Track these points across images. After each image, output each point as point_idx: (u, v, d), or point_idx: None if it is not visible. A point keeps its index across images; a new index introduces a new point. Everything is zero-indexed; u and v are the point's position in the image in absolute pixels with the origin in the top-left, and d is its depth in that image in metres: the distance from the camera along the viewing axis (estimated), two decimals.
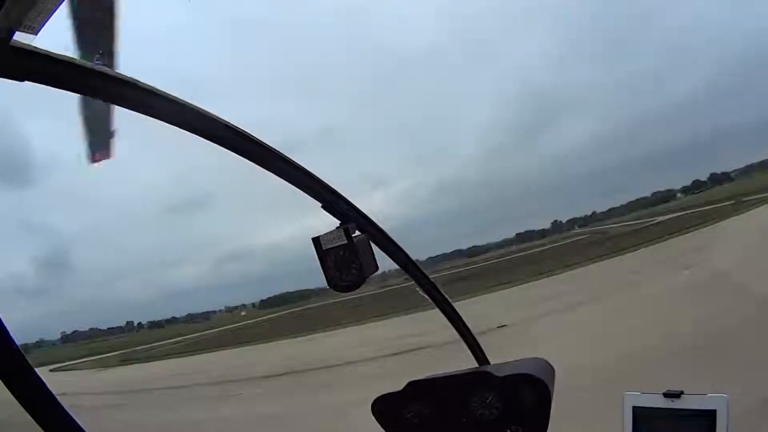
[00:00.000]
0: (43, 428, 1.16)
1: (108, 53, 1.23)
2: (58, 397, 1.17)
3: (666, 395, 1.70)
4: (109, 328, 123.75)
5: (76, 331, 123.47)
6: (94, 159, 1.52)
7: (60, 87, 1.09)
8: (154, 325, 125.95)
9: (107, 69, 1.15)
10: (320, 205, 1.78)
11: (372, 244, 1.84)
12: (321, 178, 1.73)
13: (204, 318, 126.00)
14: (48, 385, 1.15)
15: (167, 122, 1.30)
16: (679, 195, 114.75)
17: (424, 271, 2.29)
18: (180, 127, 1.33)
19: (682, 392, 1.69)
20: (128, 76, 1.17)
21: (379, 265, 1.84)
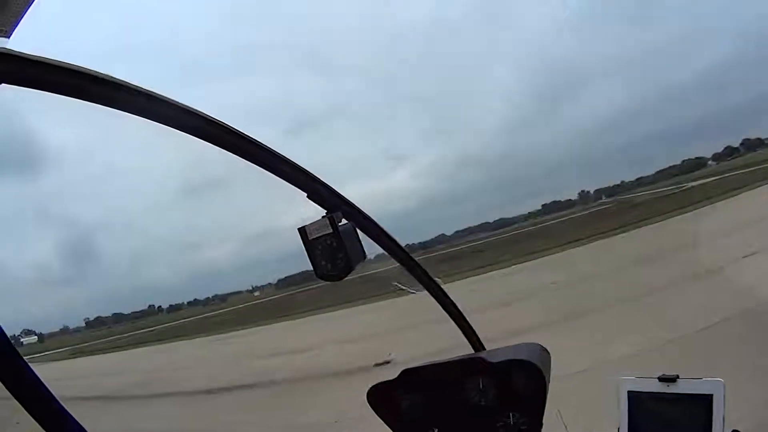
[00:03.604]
0: (39, 423, 1.13)
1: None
2: (52, 391, 1.13)
3: (661, 379, 1.63)
4: (132, 312, 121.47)
5: (99, 317, 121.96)
6: None
7: (36, 87, 1.02)
8: (173, 308, 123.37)
9: (83, 68, 1.06)
10: (305, 195, 1.64)
11: (359, 232, 1.73)
12: (305, 167, 1.62)
13: (221, 300, 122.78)
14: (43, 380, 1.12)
15: (147, 118, 1.22)
16: (710, 162, 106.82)
17: (412, 256, 2.14)
18: (160, 122, 1.24)
19: (677, 376, 1.62)
20: (104, 73, 1.10)
21: (366, 253, 1.70)
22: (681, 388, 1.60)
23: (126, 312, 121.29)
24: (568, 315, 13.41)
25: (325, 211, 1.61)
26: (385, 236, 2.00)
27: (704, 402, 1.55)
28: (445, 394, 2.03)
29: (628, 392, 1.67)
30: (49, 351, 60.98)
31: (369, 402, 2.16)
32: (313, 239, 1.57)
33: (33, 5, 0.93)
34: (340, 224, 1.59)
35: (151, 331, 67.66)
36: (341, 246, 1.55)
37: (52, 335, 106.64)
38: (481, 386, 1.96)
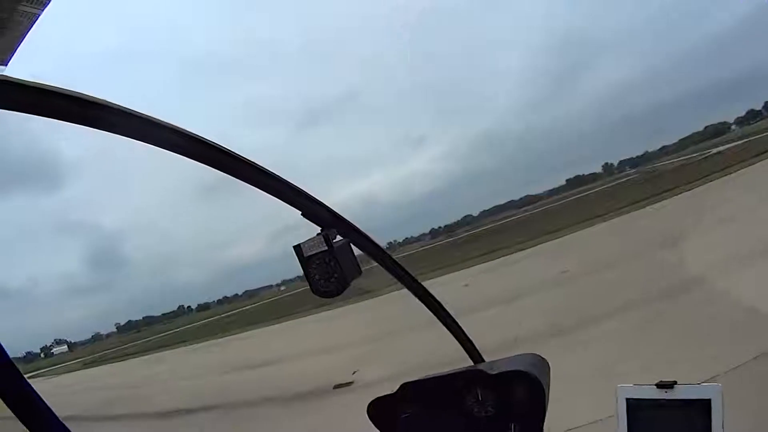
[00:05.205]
0: None
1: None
2: (52, 408, 1.05)
3: (659, 386, 1.54)
4: (163, 314, 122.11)
5: (130, 321, 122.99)
6: None
7: (33, 113, 1.01)
8: (201, 307, 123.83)
9: (78, 93, 1.04)
10: (300, 213, 1.60)
11: (354, 249, 1.69)
12: (298, 185, 1.57)
13: (251, 295, 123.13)
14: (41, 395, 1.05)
15: (144, 142, 1.19)
16: (733, 127, 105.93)
17: (408, 271, 2.09)
18: (156, 146, 1.21)
19: (675, 382, 1.53)
20: (98, 97, 1.07)
21: (362, 269, 1.66)
22: (679, 393, 1.51)
23: (157, 314, 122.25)
24: (571, 325, 10.52)
25: (320, 228, 1.59)
26: (380, 251, 1.95)
27: (703, 407, 1.47)
28: (445, 406, 2.00)
29: (626, 399, 1.56)
30: (64, 363, 60.75)
31: (369, 415, 2.13)
32: (309, 256, 1.54)
33: (33, 30, 0.92)
34: (335, 241, 1.57)
35: (148, 340, 66.56)
36: (336, 263, 1.53)
37: (83, 343, 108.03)
38: (480, 398, 1.94)
